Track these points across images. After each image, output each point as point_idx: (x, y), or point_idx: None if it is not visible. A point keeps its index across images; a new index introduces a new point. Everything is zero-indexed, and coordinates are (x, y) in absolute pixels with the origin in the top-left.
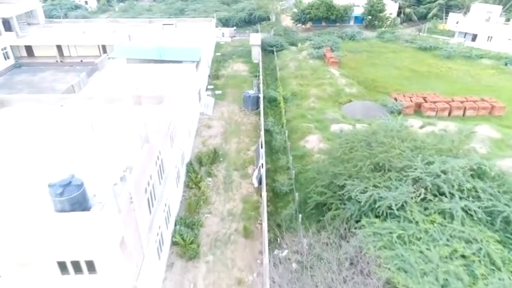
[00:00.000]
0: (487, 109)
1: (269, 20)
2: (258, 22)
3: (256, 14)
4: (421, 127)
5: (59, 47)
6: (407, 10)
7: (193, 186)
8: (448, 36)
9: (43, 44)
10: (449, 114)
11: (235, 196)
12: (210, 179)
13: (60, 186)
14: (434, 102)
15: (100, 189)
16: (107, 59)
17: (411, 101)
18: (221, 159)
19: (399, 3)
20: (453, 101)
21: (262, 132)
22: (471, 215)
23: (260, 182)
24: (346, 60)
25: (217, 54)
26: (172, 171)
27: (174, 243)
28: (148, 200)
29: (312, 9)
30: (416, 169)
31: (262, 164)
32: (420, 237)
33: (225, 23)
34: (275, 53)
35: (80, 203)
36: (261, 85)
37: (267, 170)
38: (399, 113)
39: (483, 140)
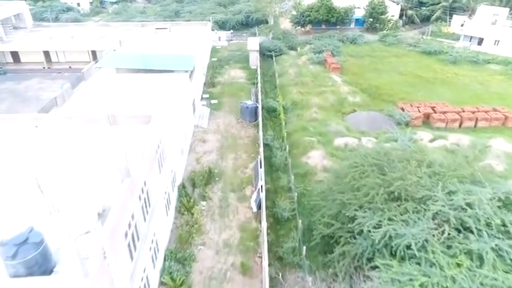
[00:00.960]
0: (500, 120)
1: (267, 23)
2: (256, 25)
3: (254, 17)
4: (432, 141)
5: (46, 53)
6: (410, 12)
7: (186, 211)
8: (452, 40)
9: (30, 50)
10: (460, 125)
11: (231, 223)
12: (204, 202)
13: (14, 245)
14: (444, 112)
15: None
16: (94, 67)
17: (419, 111)
18: (217, 178)
19: (401, 5)
20: (464, 111)
21: (261, 149)
22: (502, 256)
23: (259, 207)
24: (348, 66)
25: (213, 59)
26: (160, 200)
27: (162, 284)
28: (129, 244)
29: (311, 11)
30: (437, 201)
31: (261, 187)
32: (446, 287)
33: (221, 25)
34: (274, 58)
35: (40, 265)
36: (260, 94)
37: (267, 191)
38: (407, 125)
39: (498, 155)
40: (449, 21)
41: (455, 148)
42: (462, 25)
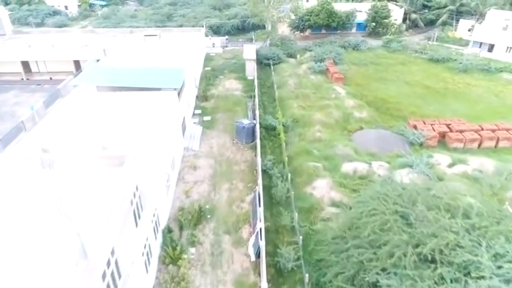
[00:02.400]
0: None
1: (264, 27)
2: (252, 30)
3: (250, 21)
4: (451, 165)
5: (25, 63)
6: (414, 16)
7: (171, 262)
8: (460, 46)
9: (6, 60)
10: (479, 145)
11: (225, 276)
12: (193, 249)
13: None
14: (461, 131)
15: None
16: (71, 85)
17: (433, 129)
18: (208, 216)
19: (404, 9)
20: (483, 129)
21: (260, 181)
22: None
23: (258, 255)
24: (352, 75)
25: (206, 68)
26: (138, 261)
27: None
28: None
29: (311, 15)
30: (482, 269)
31: (260, 230)
32: None
33: (216, 30)
34: (272, 66)
35: None
36: (257, 110)
37: (266, 231)
38: (420, 145)
39: None
40: (456, 25)
41: (479, 176)
42: (469, 30)
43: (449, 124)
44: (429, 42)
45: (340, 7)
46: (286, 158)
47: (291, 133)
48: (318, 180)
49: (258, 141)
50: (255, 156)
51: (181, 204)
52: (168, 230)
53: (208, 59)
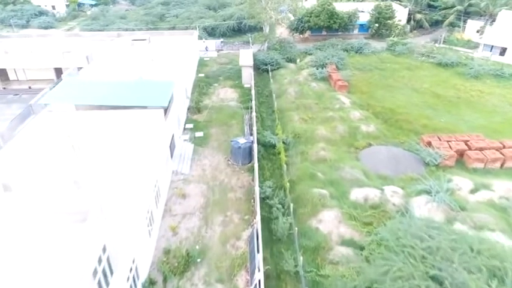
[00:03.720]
0: None
1: (262, 29)
2: (249, 31)
3: (247, 23)
4: (473, 191)
5: (1, 71)
6: (418, 16)
7: None
8: (469, 48)
9: None
10: (502, 165)
11: None
12: None
13: None
14: (481, 149)
15: None
16: (40, 103)
17: (450, 147)
18: (198, 260)
19: (409, 9)
20: (504, 146)
21: (258, 218)
22: None
23: None
24: (356, 82)
25: (200, 75)
26: None
27: None
28: None
29: (311, 16)
30: None
31: (259, 282)
32: None
33: (210, 32)
34: (270, 72)
35: None
36: (254, 128)
37: (266, 277)
38: (436, 165)
39: None
40: (463, 26)
41: (506, 205)
42: (478, 31)
43: (468, 141)
44: (436, 44)
45: (341, 7)
46: (288, 183)
47: (292, 151)
48: (324, 212)
49: (256, 165)
50: (252, 180)
51: (167, 244)
52: (150, 282)
53: (202, 64)
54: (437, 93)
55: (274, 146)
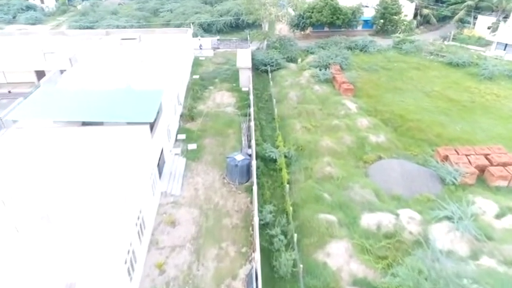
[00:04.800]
0: None
1: (260, 26)
2: (248, 27)
3: (245, 18)
4: (498, 216)
5: None
6: (425, 11)
7: None
8: (480, 46)
9: None
10: None
11: None
12: None
13: None
14: (504, 164)
15: None
16: (7, 119)
17: (469, 162)
18: None
19: (415, 4)
20: None
21: (258, 256)
22: None
23: None
24: (362, 84)
25: (194, 77)
26: None
27: None
28: None
29: (313, 12)
30: None
31: None
32: None
33: (206, 29)
34: (270, 74)
35: None
36: (253, 141)
37: None
38: (453, 183)
39: None
40: (474, 22)
41: None
42: (489, 28)
43: (488, 154)
44: (445, 42)
45: (344, 2)
46: (291, 207)
47: (295, 166)
48: (332, 243)
49: (254, 189)
50: (251, 203)
51: (152, 285)
52: None
53: (196, 64)
54: (450, 96)
55: (275, 161)
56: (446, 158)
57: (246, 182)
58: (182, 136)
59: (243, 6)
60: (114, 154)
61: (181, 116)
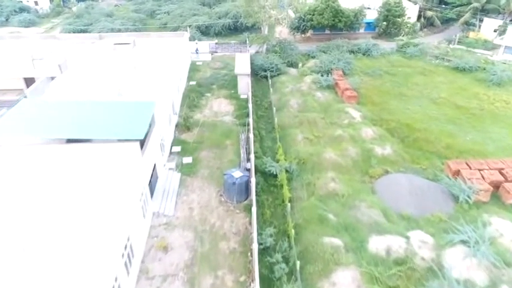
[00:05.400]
0: None
1: (260, 29)
2: (247, 30)
3: (244, 21)
4: None
5: None
6: (429, 14)
7: None
8: (486, 50)
9: None
10: None
11: None
12: None
13: None
14: None
15: None
16: None
17: (483, 177)
18: None
19: (419, 5)
20: None
21: (257, 285)
22: None
23: None
24: (365, 90)
25: (191, 83)
26: None
27: None
28: None
29: (314, 14)
30: None
31: None
32: None
33: (204, 32)
34: (269, 79)
35: None
36: (252, 156)
37: None
38: (467, 202)
39: None
40: (479, 25)
41: None
42: (496, 31)
43: (502, 169)
44: (450, 45)
45: (346, 3)
46: (293, 229)
47: (296, 182)
48: (338, 271)
49: (254, 209)
50: (249, 224)
51: None
52: None
53: (193, 69)
54: (458, 103)
55: (275, 176)
56: (457, 172)
57: (245, 200)
58: (177, 148)
59: (242, 9)
60: (100, 175)
61: (176, 126)
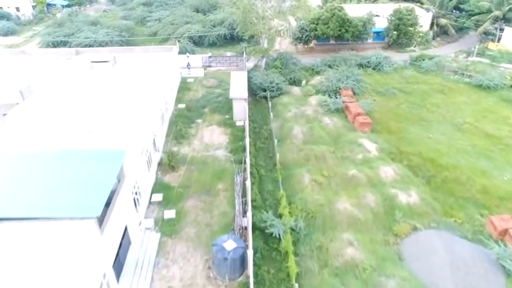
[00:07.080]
0: None
1: (258, 42)
2: (243, 40)
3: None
4: None
5: None
6: (443, 22)
7: None
8: (509, 63)
9: None
10: None
11: None
12: None
13: None
14: None
15: None
16: None
17: None
18: None
19: (432, 13)
20: None
21: None
22: None
23: None
24: (380, 114)
25: (179, 106)
26: None
27: None
28: None
29: (317, 24)
30: None
31: None
32: None
33: (198, 41)
34: (269, 101)
35: None
36: (249, 213)
37: None
38: None
39: None
40: (500, 35)
41: None
42: None
43: None
44: (469, 58)
45: (352, 11)
46: None
47: (304, 245)
48: None
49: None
50: None
51: None
52: None
53: (183, 88)
54: (487, 131)
55: (278, 239)
56: (505, 232)
57: (239, 276)
58: (158, 197)
59: (238, 20)
60: (40, 265)
61: (159, 164)
